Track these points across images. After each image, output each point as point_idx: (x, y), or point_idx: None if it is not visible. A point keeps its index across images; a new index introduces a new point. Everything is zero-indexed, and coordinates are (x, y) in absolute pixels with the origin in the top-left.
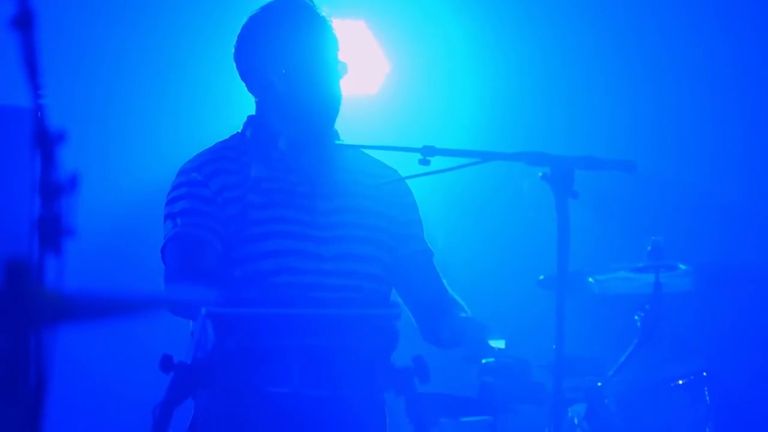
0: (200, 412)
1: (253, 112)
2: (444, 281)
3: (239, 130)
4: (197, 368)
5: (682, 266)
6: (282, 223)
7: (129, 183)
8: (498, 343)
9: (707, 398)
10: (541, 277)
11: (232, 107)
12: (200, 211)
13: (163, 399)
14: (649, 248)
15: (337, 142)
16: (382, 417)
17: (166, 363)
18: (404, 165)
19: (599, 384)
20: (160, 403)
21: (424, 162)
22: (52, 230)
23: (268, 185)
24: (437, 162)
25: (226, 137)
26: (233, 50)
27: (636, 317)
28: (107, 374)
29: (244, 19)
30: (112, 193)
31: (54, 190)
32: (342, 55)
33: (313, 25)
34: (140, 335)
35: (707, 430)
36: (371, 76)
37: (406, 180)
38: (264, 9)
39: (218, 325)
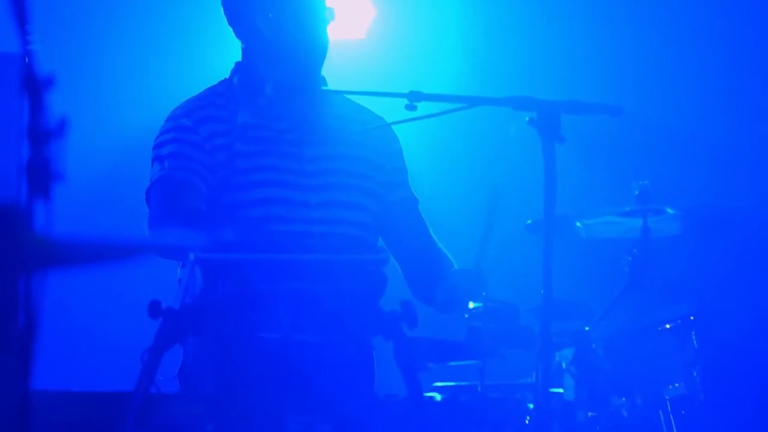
0: (189, 358)
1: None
2: (430, 230)
3: (228, 77)
4: (186, 314)
5: (669, 210)
6: (269, 172)
7: (118, 128)
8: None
9: (695, 342)
10: (529, 221)
11: (222, 52)
12: (187, 155)
13: (151, 345)
14: (637, 192)
15: (324, 88)
16: (370, 362)
17: (155, 309)
18: (390, 110)
19: (587, 328)
20: (148, 348)
21: (411, 107)
22: (41, 175)
23: (256, 133)
24: (423, 107)
25: (215, 83)
26: None
27: (624, 262)
28: (96, 320)
29: None
30: (101, 138)
31: (42, 135)
32: (328, 1)
33: None
34: (129, 281)
35: (694, 373)
36: (357, 22)
37: (392, 126)
38: None
39: (207, 270)
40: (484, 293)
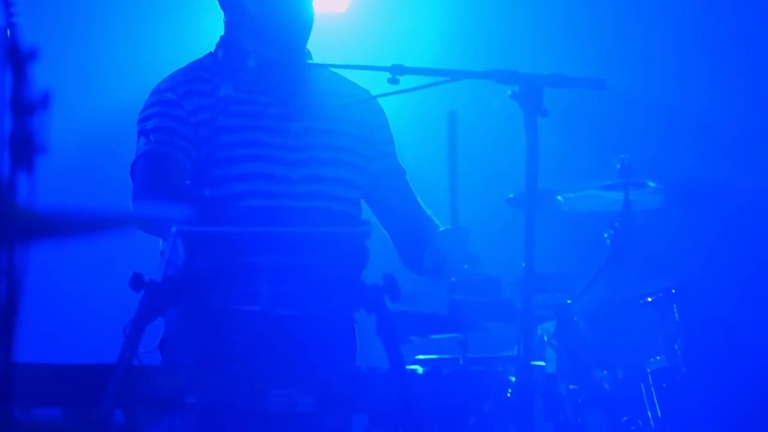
0: (170, 330)
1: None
2: (419, 199)
3: (213, 50)
4: (168, 286)
5: (651, 184)
6: (252, 147)
7: (102, 101)
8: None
9: (676, 315)
10: (511, 195)
11: (209, 25)
12: (172, 129)
13: (133, 317)
14: (619, 166)
15: (309, 61)
16: (351, 335)
17: (137, 281)
18: (373, 84)
19: (569, 301)
20: (130, 321)
21: (393, 81)
22: (24, 148)
23: (239, 107)
24: (406, 81)
25: (201, 56)
26: None
27: (605, 235)
28: (78, 292)
29: None
30: (85, 111)
31: (26, 108)
32: None
33: None
34: (112, 253)
35: (676, 346)
36: None
37: (377, 99)
38: None
39: (189, 243)
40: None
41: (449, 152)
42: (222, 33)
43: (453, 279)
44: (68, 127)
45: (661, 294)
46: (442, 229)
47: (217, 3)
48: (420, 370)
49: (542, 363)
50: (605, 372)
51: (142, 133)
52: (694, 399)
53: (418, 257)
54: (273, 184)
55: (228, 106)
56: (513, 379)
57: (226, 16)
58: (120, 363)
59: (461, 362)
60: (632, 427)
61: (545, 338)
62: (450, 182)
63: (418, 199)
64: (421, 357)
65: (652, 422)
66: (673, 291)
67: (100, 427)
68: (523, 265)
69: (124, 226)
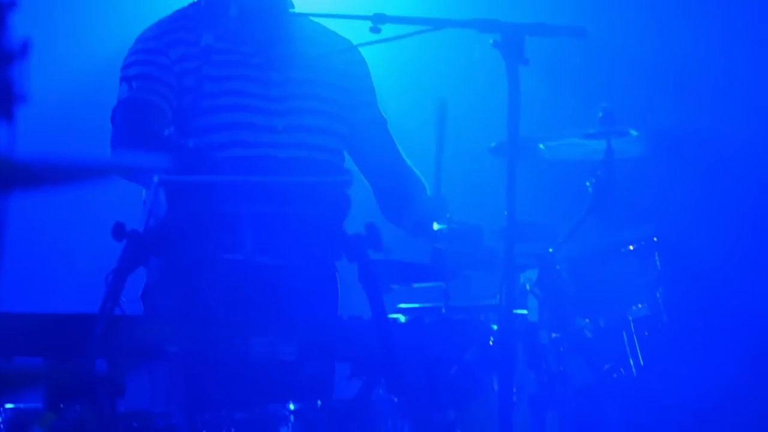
0: (153, 280)
1: None
2: (400, 150)
3: None
4: (150, 236)
5: (633, 132)
6: (236, 96)
7: (85, 48)
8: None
9: (658, 263)
10: (493, 143)
11: None
12: (155, 77)
13: (115, 267)
14: (600, 114)
15: (290, 10)
16: (333, 285)
17: (119, 231)
18: (355, 34)
19: (550, 250)
20: (112, 270)
21: (375, 30)
22: (4, 97)
23: (222, 57)
24: (388, 30)
25: (185, 5)
26: None
27: (587, 183)
28: (61, 242)
29: None
30: (68, 59)
31: (5, 56)
32: None
33: None
34: (94, 203)
35: (658, 294)
36: None
37: (358, 48)
38: None
39: (171, 192)
40: (448, 215)
41: (437, 140)
42: None
43: (435, 227)
44: (49, 76)
45: (643, 242)
46: (423, 190)
47: None
48: (402, 318)
49: (524, 311)
50: (587, 320)
51: (124, 79)
52: (675, 347)
53: (398, 211)
54: (257, 133)
55: (210, 56)
56: (495, 327)
57: None
58: (102, 312)
59: (443, 311)
60: (614, 375)
61: (527, 287)
62: (435, 167)
63: (400, 150)
64: (403, 306)
65: (634, 370)
66: (655, 239)
67: (83, 376)
68: (505, 213)
69: (105, 175)
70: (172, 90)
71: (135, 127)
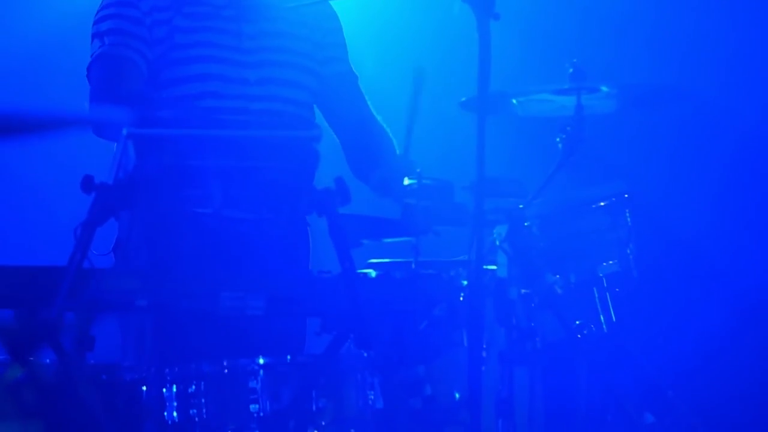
0: (123, 232)
1: None
2: (370, 106)
3: None
4: (118, 189)
5: (604, 88)
6: (208, 48)
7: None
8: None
9: (628, 220)
10: (463, 98)
11: None
12: (128, 31)
13: (84, 219)
14: (571, 70)
15: None
16: (304, 239)
17: (88, 183)
18: None
19: (521, 206)
20: (81, 223)
21: None
22: None
23: (193, 8)
24: None
25: None
26: None
27: (557, 139)
28: (30, 194)
29: None
30: (40, 10)
31: None
32: None
33: None
34: (63, 155)
35: (628, 251)
36: None
37: (330, 2)
38: None
39: (140, 145)
40: (418, 169)
41: (411, 106)
42: None
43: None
44: (22, 27)
45: (613, 198)
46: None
47: None
48: (372, 273)
49: (494, 267)
50: (557, 276)
51: (96, 35)
52: (646, 302)
53: (366, 167)
54: (228, 85)
55: (181, 7)
56: (465, 283)
57: None
58: (71, 265)
59: (413, 266)
60: (585, 331)
61: (497, 242)
62: (406, 129)
63: (371, 107)
64: (373, 261)
65: (604, 326)
66: (626, 195)
67: (52, 328)
68: (475, 168)
69: (77, 127)
70: (146, 43)
71: (112, 84)
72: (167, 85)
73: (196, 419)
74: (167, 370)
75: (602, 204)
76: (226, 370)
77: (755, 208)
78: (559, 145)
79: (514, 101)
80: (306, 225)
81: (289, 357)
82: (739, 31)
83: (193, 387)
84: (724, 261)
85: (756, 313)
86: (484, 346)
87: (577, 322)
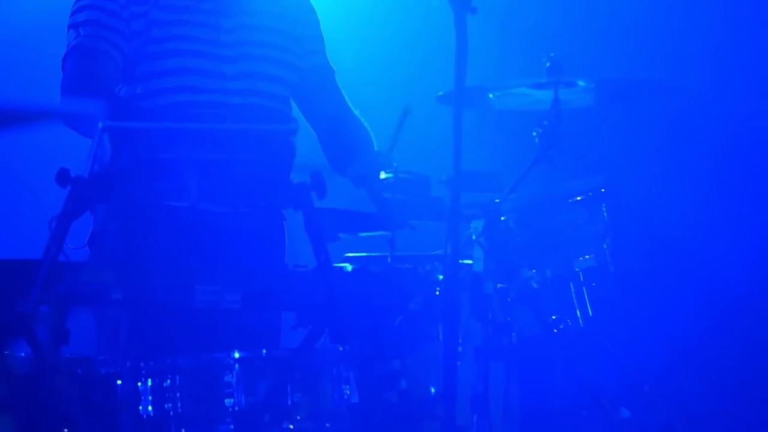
0: (99, 226)
1: None
2: (347, 100)
3: None
4: (94, 182)
5: (581, 82)
6: (185, 41)
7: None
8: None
9: (605, 214)
10: (440, 92)
11: None
12: (104, 23)
13: (59, 213)
14: (548, 64)
15: None
16: (280, 233)
17: (63, 177)
18: None
19: (497, 200)
20: (56, 216)
21: None
22: None
23: (173, 2)
24: None
25: None
26: None
27: (534, 133)
28: (5, 187)
29: None
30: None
31: None
32: None
33: None
34: (38, 148)
35: (604, 245)
36: None
37: None
38: None
39: (115, 138)
40: (394, 163)
41: (393, 137)
42: None
43: (382, 176)
44: None
45: (590, 193)
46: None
47: None
48: (348, 267)
49: (470, 261)
50: (534, 271)
51: (73, 26)
52: (622, 298)
53: (343, 160)
54: (206, 79)
55: (160, 1)
56: (441, 277)
57: None
58: (46, 258)
59: (389, 260)
60: (561, 326)
61: (473, 237)
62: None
63: (347, 100)
64: (349, 254)
65: (581, 321)
66: (603, 190)
67: (27, 321)
68: (452, 163)
69: (50, 119)
70: (122, 35)
71: (85, 76)
72: (144, 78)
73: (171, 413)
74: (142, 364)
75: (579, 198)
76: (201, 364)
77: (734, 203)
78: (536, 140)
79: (490, 95)
80: (282, 219)
81: (264, 351)
82: (717, 25)
83: (168, 381)
84: (702, 256)
85: (733, 307)
86: (460, 341)
87: (554, 317)
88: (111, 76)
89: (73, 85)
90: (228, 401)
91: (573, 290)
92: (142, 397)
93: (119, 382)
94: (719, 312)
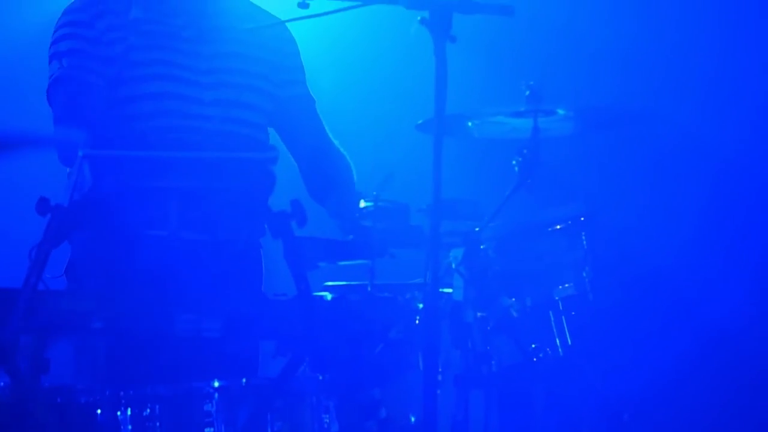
0: (77, 255)
1: None
2: (327, 130)
3: None
4: (74, 210)
5: (560, 111)
6: (164, 66)
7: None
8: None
9: (584, 243)
10: (420, 121)
11: None
12: (86, 52)
13: (39, 241)
14: (527, 93)
15: None
16: (257, 261)
17: (43, 205)
18: (284, 10)
19: (477, 228)
20: (36, 245)
21: (303, 5)
22: None
23: (151, 27)
24: (316, 5)
25: None
26: None
27: (514, 162)
28: None
29: None
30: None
31: None
32: None
33: None
34: (18, 177)
35: (584, 274)
36: None
37: (287, 26)
38: None
39: (95, 167)
40: (374, 193)
41: (375, 197)
42: None
43: (362, 205)
44: None
45: (569, 222)
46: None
47: None
48: (328, 296)
49: (450, 290)
50: (513, 299)
51: (55, 56)
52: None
53: (323, 190)
54: (185, 104)
55: (139, 27)
56: (421, 306)
57: None
58: (26, 287)
59: (369, 289)
60: (540, 355)
61: (453, 265)
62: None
63: (327, 130)
64: (329, 283)
65: (560, 350)
66: (582, 219)
67: (7, 351)
68: (432, 191)
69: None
70: (104, 62)
71: (74, 110)
72: (122, 102)
73: None
74: (122, 392)
75: (558, 227)
76: (181, 393)
77: (715, 231)
78: (516, 168)
79: (469, 123)
80: (259, 247)
81: (244, 380)
82: (696, 54)
83: (148, 410)
84: (682, 284)
85: (714, 336)
86: (440, 369)
87: (533, 346)
88: (97, 106)
89: (66, 118)
90: (208, 430)
91: (552, 319)
92: (122, 426)
93: (99, 411)
94: (699, 340)
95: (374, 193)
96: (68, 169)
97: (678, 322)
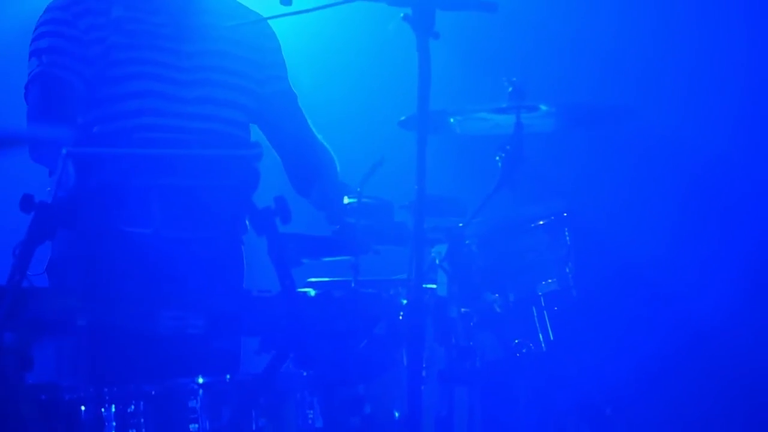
0: (59, 253)
1: None
2: (310, 124)
3: None
4: (58, 208)
5: (543, 107)
6: (145, 65)
7: None
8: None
9: (567, 239)
10: (403, 117)
11: None
12: (65, 50)
13: (23, 239)
14: (510, 89)
15: None
16: (239, 258)
17: (27, 203)
18: (266, 7)
19: (460, 224)
20: (20, 242)
21: (285, 2)
22: None
23: (132, 26)
24: (299, 2)
25: None
26: None
27: (497, 158)
28: None
29: None
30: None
31: None
32: None
33: None
34: (1, 175)
35: (567, 270)
36: None
37: (268, 21)
38: None
39: (79, 165)
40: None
41: (362, 182)
42: None
43: (345, 201)
44: None
45: (552, 217)
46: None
47: None
48: (312, 292)
49: (434, 286)
50: (497, 295)
51: (34, 53)
52: (585, 322)
53: (307, 182)
54: (166, 102)
55: (120, 25)
56: (404, 302)
57: None
58: (9, 285)
59: (353, 285)
60: (524, 350)
61: (437, 261)
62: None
63: (310, 124)
64: (312, 280)
65: (543, 345)
66: (565, 215)
67: None
68: (415, 187)
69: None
70: (84, 62)
71: (49, 107)
72: (104, 102)
73: None
74: (106, 389)
75: (541, 223)
76: (165, 390)
77: (698, 228)
78: (499, 164)
79: (451, 120)
80: (240, 244)
81: (228, 376)
82: (679, 51)
83: (132, 407)
84: (665, 279)
85: (697, 331)
86: (424, 365)
87: (516, 341)
88: (73, 105)
89: (38, 115)
90: (192, 426)
91: (535, 314)
92: (106, 423)
93: (83, 408)
94: (681, 335)
95: (358, 189)
96: (44, 167)
97: (660, 317)
